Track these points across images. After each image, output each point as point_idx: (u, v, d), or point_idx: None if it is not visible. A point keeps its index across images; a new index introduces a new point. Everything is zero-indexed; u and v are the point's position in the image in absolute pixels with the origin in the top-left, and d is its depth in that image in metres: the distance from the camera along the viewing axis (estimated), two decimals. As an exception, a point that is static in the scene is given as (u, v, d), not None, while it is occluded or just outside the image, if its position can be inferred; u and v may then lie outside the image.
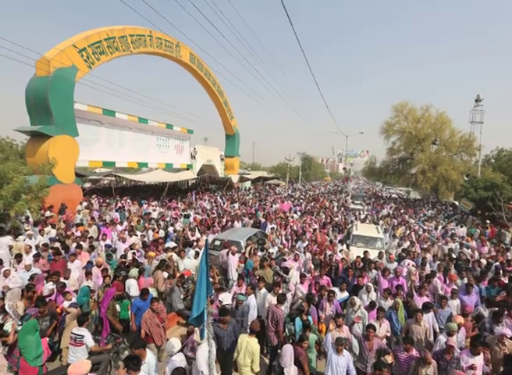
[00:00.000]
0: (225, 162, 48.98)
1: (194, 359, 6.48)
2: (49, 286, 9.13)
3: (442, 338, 7.53)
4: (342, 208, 31.98)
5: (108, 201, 25.31)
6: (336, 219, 24.63)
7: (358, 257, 13.06)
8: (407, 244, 16.80)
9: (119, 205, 23.54)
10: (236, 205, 28.86)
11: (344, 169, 75.99)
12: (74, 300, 8.69)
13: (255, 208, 27.21)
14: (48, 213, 17.80)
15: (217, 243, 14.42)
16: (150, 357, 6.29)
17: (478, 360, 6.89)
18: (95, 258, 11.83)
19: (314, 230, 18.73)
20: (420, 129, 44.60)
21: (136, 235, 15.29)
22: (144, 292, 8.54)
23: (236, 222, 20.29)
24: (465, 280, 11.29)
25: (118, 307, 8.77)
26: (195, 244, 14.34)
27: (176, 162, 37.99)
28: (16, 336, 7.08)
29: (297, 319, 8.10)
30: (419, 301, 9.57)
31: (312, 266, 12.34)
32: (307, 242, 15.68)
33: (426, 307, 8.77)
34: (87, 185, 40.26)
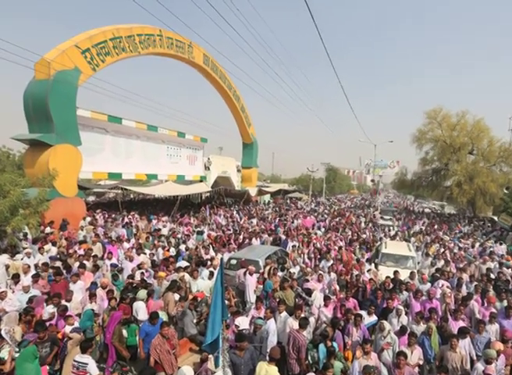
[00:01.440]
0: (242, 173, 49.17)
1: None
2: (49, 309, 9.19)
3: (480, 366, 7.43)
4: (370, 224, 32.00)
5: (113, 216, 25.57)
6: (364, 235, 24.64)
7: (388, 277, 12.95)
8: (441, 264, 16.66)
9: (126, 220, 23.75)
10: (254, 221, 28.96)
11: (372, 181, 75.52)
12: (77, 324, 8.72)
13: (275, 224, 27.25)
14: (48, 230, 18.01)
15: (233, 262, 14.42)
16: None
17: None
18: (100, 278, 11.91)
19: (340, 247, 18.66)
20: (455, 137, 44.28)
21: (145, 253, 15.38)
22: (153, 316, 8.54)
23: (254, 239, 20.29)
24: (505, 303, 11.09)
25: (125, 332, 8.79)
26: (209, 263, 14.26)
27: (188, 173, 38.18)
28: (13, 364, 7.09)
29: (321, 346, 8.02)
30: (454, 326, 9.43)
31: (337, 288, 12.22)
32: (331, 261, 15.69)
33: (462, 332, 8.66)
34: (91, 199, 40.85)
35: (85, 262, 13.08)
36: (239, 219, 30.01)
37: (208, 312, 7.66)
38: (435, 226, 31.67)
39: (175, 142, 36.09)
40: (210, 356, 7.23)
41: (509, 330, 9.25)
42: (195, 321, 10.11)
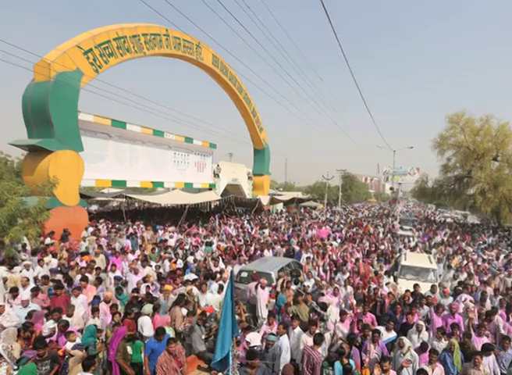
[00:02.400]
0: (253, 181, 49.28)
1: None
2: (50, 324, 9.24)
3: (505, 385, 7.39)
4: (388, 235, 32.02)
5: (117, 226, 25.69)
6: (382, 247, 24.68)
7: (407, 291, 12.97)
8: (463, 277, 16.75)
9: (131, 230, 23.80)
10: (266, 231, 28.98)
11: (391, 189, 75.70)
12: (79, 341, 8.75)
13: (288, 235, 27.34)
14: (48, 240, 18.13)
15: (244, 275, 14.45)
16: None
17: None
18: (103, 292, 11.94)
19: (357, 259, 18.72)
20: (479, 143, 43.88)
21: (151, 266, 15.45)
22: (159, 332, 8.56)
23: (266, 250, 20.36)
24: (531, 318, 11.07)
25: (129, 349, 8.80)
26: (219, 276, 14.34)
27: (196, 181, 38.29)
28: (11, 382, 7.15)
29: (337, 363, 7.99)
30: (478, 343, 9.41)
31: (354, 302, 12.23)
32: (348, 274, 15.88)
33: (486, 349, 8.63)
34: (94, 208, 41.09)
35: (87, 274, 13.12)
36: (250, 230, 30.01)
37: (218, 328, 7.67)
38: (458, 237, 31.54)
39: (182, 148, 36.25)
40: (220, 374, 7.23)
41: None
42: (204, 337, 10.12)
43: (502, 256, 22.91)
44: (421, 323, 10.04)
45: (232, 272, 6.95)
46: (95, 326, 9.44)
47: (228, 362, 6.23)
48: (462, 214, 63.55)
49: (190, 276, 14.35)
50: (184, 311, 10.60)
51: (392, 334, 9.83)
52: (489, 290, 14.19)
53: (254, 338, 9.31)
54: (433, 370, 7.98)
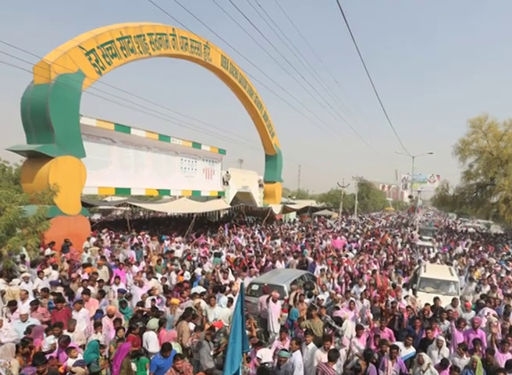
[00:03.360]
0: (264, 188, 49.26)
1: None
2: (50, 340, 9.25)
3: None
4: (407, 245, 32.15)
5: (121, 236, 25.82)
6: (400, 258, 24.65)
7: (427, 305, 13.00)
8: (486, 289, 16.69)
9: (135, 241, 23.95)
10: (278, 242, 29.00)
11: (410, 197, 75.80)
12: (80, 357, 8.76)
13: (301, 246, 27.35)
14: (48, 251, 18.22)
15: (255, 287, 14.47)
16: None
17: None
18: (106, 306, 12.00)
19: (374, 271, 18.54)
20: (502, 148, 43.99)
21: (156, 278, 15.45)
22: (165, 348, 8.55)
23: (278, 262, 20.35)
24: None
25: (134, 366, 8.79)
26: (228, 289, 14.33)
27: (204, 188, 38.37)
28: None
29: (352, 381, 7.97)
30: (501, 359, 9.38)
31: (371, 316, 12.27)
32: (364, 287, 15.95)
33: (510, 366, 8.59)
34: (97, 217, 41.23)
35: (89, 287, 13.15)
36: (261, 240, 30.02)
37: (227, 344, 7.64)
38: (480, 248, 31.55)
39: (190, 154, 36.35)
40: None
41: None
42: (212, 353, 10.07)
43: (527, 268, 22.72)
44: (442, 338, 10.01)
45: (242, 284, 6.95)
46: (98, 341, 9.45)
47: (238, 379, 6.21)
48: (485, 223, 63.19)
49: (198, 289, 14.32)
50: (192, 326, 10.57)
51: (411, 350, 9.82)
52: (514, 303, 14.09)
53: (266, 354, 9.29)
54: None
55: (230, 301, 12.77)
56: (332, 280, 17.63)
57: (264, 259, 21.03)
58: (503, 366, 8.85)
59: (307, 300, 13.37)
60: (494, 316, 12.28)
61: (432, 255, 27.28)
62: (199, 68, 36.03)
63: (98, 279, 14.33)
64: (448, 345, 10.28)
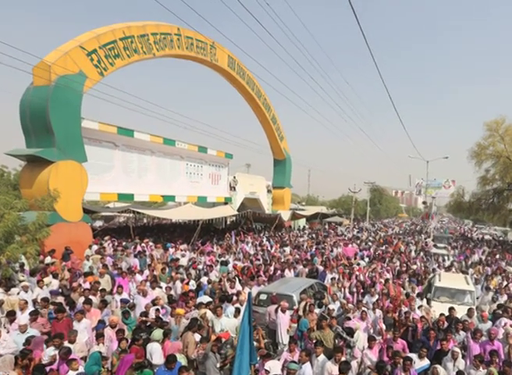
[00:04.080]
0: (273, 194, 49.32)
1: None
2: (50, 352, 9.25)
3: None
4: (421, 253, 32.33)
5: (124, 244, 25.87)
6: (414, 266, 24.66)
7: (442, 315, 13.01)
8: (503, 299, 16.69)
9: (139, 249, 23.98)
10: (287, 250, 29.15)
11: (424, 203, 75.93)
12: (82, 369, 8.76)
13: (311, 254, 27.46)
14: (48, 259, 18.27)
15: (263, 297, 14.52)
16: None
17: None
18: (108, 316, 11.99)
19: (386, 280, 18.55)
20: (520, 153, 43.68)
21: (161, 287, 15.48)
22: (170, 360, 8.53)
23: (287, 270, 20.38)
24: None
25: (137, 379, 8.79)
26: (235, 298, 14.30)
27: (210, 194, 38.43)
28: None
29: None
30: None
31: (383, 327, 12.31)
32: (377, 296, 15.95)
33: None
34: (98, 224, 41.31)
35: (91, 297, 13.18)
36: (269, 248, 30.10)
37: (234, 356, 7.62)
38: (497, 256, 31.56)
39: (195, 158, 36.42)
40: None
41: None
42: (219, 365, 10.05)
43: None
44: (457, 350, 9.98)
45: (249, 294, 6.95)
46: (100, 353, 9.46)
47: (246, 392, 6.18)
48: (502, 230, 63.13)
49: (204, 298, 14.28)
50: (197, 337, 10.54)
51: (425, 362, 9.79)
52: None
53: (274, 367, 9.27)
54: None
55: (237, 311, 12.75)
56: (343, 289, 17.66)
57: (272, 268, 21.11)
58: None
59: (317, 310, 13.40)
60: (511, 326, 12.25)
61: (447, 263, 27.52)
62: (205, 69, 36.17)
63: (100, 288, 14.35)
64: (463, 357, 10.28)
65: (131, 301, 13.84)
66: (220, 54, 35.47)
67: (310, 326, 11.68)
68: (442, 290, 17.13)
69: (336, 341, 10.65)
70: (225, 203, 39.79)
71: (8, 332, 10.31)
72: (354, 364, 9.85)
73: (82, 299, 12.84)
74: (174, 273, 18.11)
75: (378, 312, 13.61)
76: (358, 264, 23.83)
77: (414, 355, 9.77)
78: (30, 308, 12.03)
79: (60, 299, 13.14)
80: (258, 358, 9.02)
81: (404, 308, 13.72)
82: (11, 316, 11.16)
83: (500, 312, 13.75)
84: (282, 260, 23.93)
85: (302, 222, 54.78)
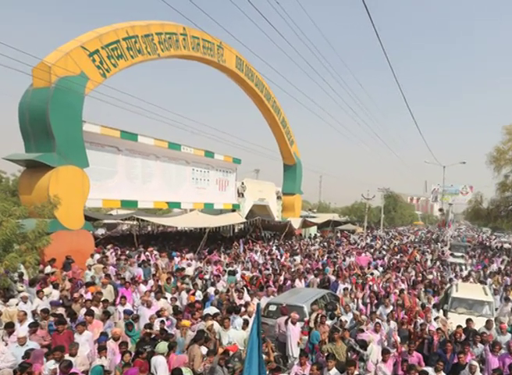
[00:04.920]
0: (282, 201, 49.40)
1: None
2: (50, 365, 9.22)
3: None
4: (437, 263, 32.19)
5: (128, 252, 25.87)
6: (430, 276, 24.58)
7: (459, 327, 12.85)
8: None
9: (143, 258, 24.01)
10: (298, 259, 29.08)
11: (441, 210, 75.85)
12: (83, 384, 8.76)
13: (323, 263, 27.35)
14: (48, 269, 18.33)
15: (272, 308, 14.51)
16: None
17: None
18: (111, 328, 12.01)
19: (401, 291, 18.55)
20: (541, 158, 43.59)
21: (166, 298, 15.45)
22: (175, 373, 8.53)
23: (297, 280, 20.39)
24: None
25: (141, 394, 8.77)
26: (243, 309, 14.23)
27: (217, 201, 38.49)
28: None
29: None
30: None
31: (398, 339, 12.18)
32: (391, 307, 15.86)
33: None
34: (101, 232, 41.41)
35: (93, 308, 13.18)
36: (279, 257, 30.06)
37: (242, 369, 7.59)
38: (517, 265, 31.37)
39: (202, 163, 36.53)
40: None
41: None
42: (227, 380, 10.04)
43: None
44: (475, 363, 9.94)
45: (258, 305, 6.90)
46: (102, 367, 9.44)
47: (254, 408, 6.12)
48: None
49: (211, 309, 14.28)
50: (204, 350, 10.51)
51: (442, 376, 9.70)
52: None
53: (284, 381, 9.25)
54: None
55: (246, 323, 12.71)
56: (356, 300, 17.54)
57: (282, 278, 21.04)
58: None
59: (329, 322, 13.34)
60: (531, 338, 12.22)
61: (465, 273, 27.44)
62: (212, 70, 36.22)
63: (103, 299, 14.34)
64: (482, 371, 10.28)
65: (135, 312, 13.82)
66: (228, 54, 35.57)
67: (321, 339, 11.66)
68: (459, 301, 17.09)
69: (349, 354, 10.64)
70: (233, 210, 39.83)
71: (6, 345, 10.29)
72: (367, 378, 9.83)
73: (83, 310, 12.83)
74: (180, 283, 18.10)
75: (393, 323, 13.61)
76: (372, 274, 23.73)
77: (430, 369, 9.70)
78: (30, 319, 12.04)
79: (61, 310, 13.11)
80: (268, 372, 8.98)
81: (420, 320, 13.73)
82: (9, 327, 11.13)
83: (520, 324, 13.71)
84: (293, 270, 23.90)
85: (313, 230, 54.69)
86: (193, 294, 16.70)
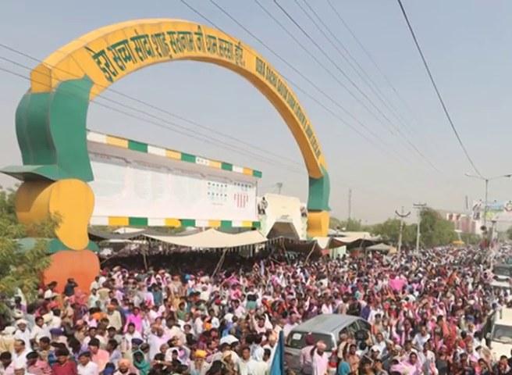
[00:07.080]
0: (308, 218, 49.42)
1: None
2: (50, 400, 9.25)
3: None
4: (479, 287, 31.94)
5: (136, 275, 25.93)
6: (471, 301, 24.30)
7: (504, 358, 12.77)
8: None
9: (153, 281, 24.03)
10: (325, 282, 29.01)
11: (483, 228, 75.64)
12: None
13: (353, 287, 27.36)
14: (48, 294, 18.39)
15: (296, 337, 14.56)
16: None
17: None
18: (118, 359, 11.97)
19: (439, 318, 18.46)
20: None
21: (179, 325, 15.43)
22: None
23: (324, 306, 20.25)
24: None
25: None
26: (264, 338, 14.17)
27: (236, 218, 38.59)
28: None
29: None
30: None
31: (436, 371, 12.36)
32: (428, 336, 15.81)
33: None
34: (107, 252, 41.61)
35: (98, 336, 13.14)
36: (304, 280, 30.08)
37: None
38: None
39: (218, 176, 36.66)
40: None
41: None
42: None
43: None
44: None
45: (281, 333, 6.85)
46: (108, 402, 9.42)
47: None
48: None
49: (229, 338, 14.16)
50: (221, 383, 10.48)
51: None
52: None
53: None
54: None
55: (267, 353, 12.59)
56: (389, 327, 17.50)
57: (307, 303, 20.98)
58: None
59: (359, 352, 13.35)
60: None
61: (510, 298, 27.31)
62: (230, 73, 36.33)
63: (109, 327, 14.32)
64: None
65: (144, 341, 13.76)
66: (247, 56, 35.69)
67: (351, 371, 11.65)
68: (504, 328, 17.11)
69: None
70: (253, 228, 39.91)
71: (2, 377, 10.34)
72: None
73: (87, 339, 12.82)
74: (194, 309, 18.05)
75: (430, 354, 13.57)
76: (407, 299, 23.61)
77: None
78: (28, 349, 12.03)
79: (62, 339, 13.14)
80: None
81: (460, 350, 13.75)
82: (5, 358, 11.11)
83: None
84: (319, 294, 23.72)
85: (342, 250, 54.76)
86: (209, 322, 16.67)
